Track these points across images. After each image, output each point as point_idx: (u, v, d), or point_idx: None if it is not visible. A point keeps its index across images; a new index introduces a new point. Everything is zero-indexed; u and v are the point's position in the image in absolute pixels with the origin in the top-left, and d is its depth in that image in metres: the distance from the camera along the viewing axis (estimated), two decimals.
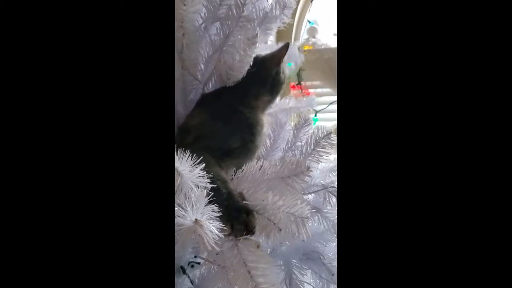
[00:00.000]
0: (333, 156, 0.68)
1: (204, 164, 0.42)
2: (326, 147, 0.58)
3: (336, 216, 0.63)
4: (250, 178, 0.50)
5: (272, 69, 0.62)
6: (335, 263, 0.66)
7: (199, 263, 0.58)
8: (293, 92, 1.67)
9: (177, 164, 0.39)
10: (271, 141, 0.71)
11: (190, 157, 0.41)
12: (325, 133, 0.58)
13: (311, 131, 0.64)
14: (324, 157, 0.59)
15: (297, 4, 1.76)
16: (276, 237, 0.46)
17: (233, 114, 0.58)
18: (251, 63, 0.56)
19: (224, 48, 0.56)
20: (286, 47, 0.61)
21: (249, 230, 0.45)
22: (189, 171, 0.40)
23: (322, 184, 0.63)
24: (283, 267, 0.66)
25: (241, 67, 0.54)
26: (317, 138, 0.58)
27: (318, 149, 0.58)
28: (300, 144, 0.65)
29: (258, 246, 0.46)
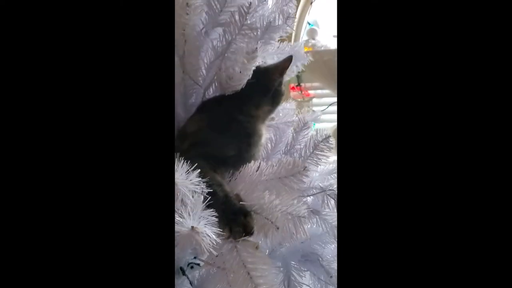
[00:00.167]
0: (332, 159, 0.69)
1: (199, 171, 0.43)
2: (325, 150, 0.58)
3: (335, 219, 0.63)
4: (247, 179, 0.51)
5: (275, 80, 0.62)
6: (333, 265, 0.67)
7: (198, 264, 0.59)
8: (293, 93, 1.67)
9: None
10: (273, 144, 0.72)
11: (185, 164, 0.41)
12: (324, 137, 0.58)
13: (310, 134, 0.64)
14: (323, 160, 0.60)
15: (297, 6, 1.76)
16: (274, 235, 0.46)
17: (231, 123, 0.58)
18: (252, 74, 0.56)
19: (226, 55, 0.56)
20: (289, 59, 0.62)
21: (248, 231, 0.45)
22: (184, 178, 0.40)
23: (321, 186, 0.63)
24: (281, 269, 0.67)
25: (240, 79, 0.54)
26: (316, 141, 0.59)
27: (316, 152, 0.59)
28: (299, 147, 0.66)
29: (257, 247, 0.47)
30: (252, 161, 0.52)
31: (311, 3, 1.80)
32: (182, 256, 0.58)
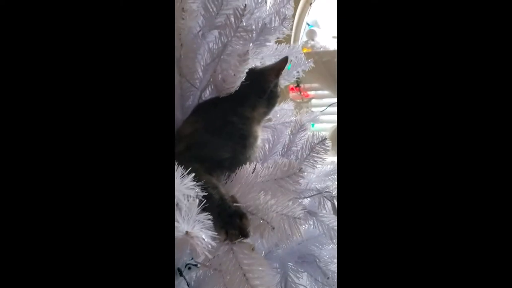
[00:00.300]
0: (329, 160, 0.69)
1: (194, 174, 0.43)
2: (321, 153, 0.58)
3: (331, 220, 0.64)
4: (243, 181, 0.51)
5: (271, 81, 0.63)
6: (330, 266, 0.67)
7: (196, 265, 0.59)
8: (292, 94, 1.67)
9: None
10: (270, 145, 0.72)
11: (180, 168, 0.41)
12: (320, 139, 0.58)
13: (306, 136, 0.65)
14: (319, 162, 0.60)
15: (296, 7, 1.77)
16: (270, 235, 0.46)
17: (226, 125, 0.58)
18: (247, 75, 0.56)
19: (222, 57, 0.56)
20: (285, 60, 0.62)
21: (244, 234, 0.45)
22: (179, 183, 0.40)
23: (317, 188, 0.63)
24: (279, 270, 0.67)
25: (233, 82, 0.55)
26: (312, 143, 0.59)
27: (313, 154, 0.59)
28: (296, 149, 0.66)
29: (252, 249, 0.47)
30: (248, 163, 0.53)
31: (311, 4, 1.81)
32: (179, 257, 0.58)
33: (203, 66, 0.62)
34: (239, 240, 0.45)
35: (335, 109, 1.59)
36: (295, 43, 1.77)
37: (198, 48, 0.60)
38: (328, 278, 0.66)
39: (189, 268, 0.59)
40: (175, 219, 0.39)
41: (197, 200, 0.43)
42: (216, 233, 0.44)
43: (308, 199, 0.65)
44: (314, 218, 0.64)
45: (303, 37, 1.80)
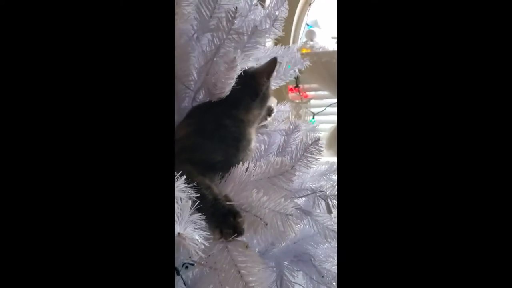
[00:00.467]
0: (323, 160, 0.70)
1: (186, 176, 0.43)
2: (314, 153, 0.59)
3: (326, 220, 0.64)
4: (237, 180, 0.52)
5: (263, 84, 0.63)
6: (325, 265, 0.68)
7: (193, 264, 0.60)
8: (291, 94, 1.68)
9: None
10: (266, 145, 0.73)
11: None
12: (314, 139, 0.59)
13: (300, 137, 0.65)
14: (313, 163, 0.60)
15: (296, 8, 1.77)
16: (264, 232, 0.47)
17: (219, 128, 0.58)
18: (239, 79, 0.56)
19: (215, 59, 0.57)
20: (274, 62, 0.62)
21: (238, 232, 0.46)
22: None
23: (312, 188, 0.64)
24: (274, 269, 0.68)
25: (223, 87, 0.55)
26: (306, 144, 0.59)
27: (307, 154, 0.60)
28: (290, 149, 0.67)
29: (246, 247, 0.48)
30: (241, 163, 0.53)
31: (310, 5, 1.81)
32: (176, 256, 0.59)
33: (197, 68, 0.62)
34: (233, 237, 0.46)
35: (334, 109, 1.60)
36: (294, 43, 1.78)
37: (193, 51, 0.61)
38: (323, 276, 0.66)
39: (186, 267, 0.60)
40: None
41: (190, 202, 0.44)
42: (209, 233, 0.45)
43: (303, 198, 0.66)
44: (309, 218, 0.65)
45: (302, 38, 1.80)
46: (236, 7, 0.52)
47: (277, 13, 0.62)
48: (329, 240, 0.65)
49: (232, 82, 0.55)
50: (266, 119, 0.74)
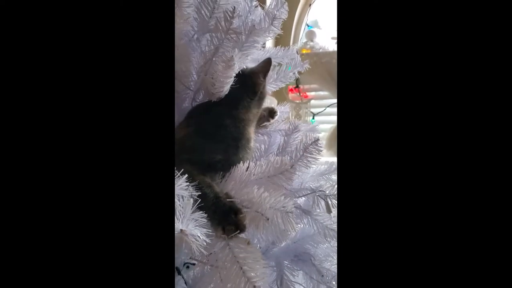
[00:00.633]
0: (323, 160, 0.70)
1: (187, 175, 0.44)
2: (314, 153, 0.59)
3: (326, 219, 0.65)
4: (237, 179, 0.52)
5: (260, 83, 0.64)
6: (325, 264, 0.68)
7: (194, 264, 0.60)
8: (291, 95, 1.68)
9: None
10: (266, 145, 0.73)
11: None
12: (313, 140, 0.59)
13: (300, 137, 0.66)
14: (312, 162, 0.61)
15: (296, 8, 1.78)
16: (265, 227, 0.47)
17: (219, 128, 0.58)
18: (237, 77, 0.57)
19: (214, 59, 0.57)
20: (269, 62, 0.63)
21: (240, 229, 0.47)
22: None
23: (312, 188, 0.65)
24: (275, 268, 0.68)
25: (221, 87, 0.55)
26: (305, 144, 0.60)
27: (306, 154, 0.60)
28: (290, 149, 0.67)
29: (248, 243, 0.48)
30: (242, 162, 0.54)
31: (310, 5, 1.81)
32: (177, 256, 0.59)
33: (196, 68, 0.62)
34: (235, 234, 0.46)
35: (334, 109, 1.60)
36: (294, 44, 1.78)
37: (193, 51, 0.62)
38: (322, 276, 0.67)
39: (187, 267, 0.61)
40: None
41: (192, 200, 0.45)
42: (211, 230, 0.45)
43: (303, 198, 0.66)
44: (308, 217, 0.65)
45: (302, 38, 1.80)
46: (234, 7, 0.53)
47: (275, 12, 0.62)
48: (328, 239, 0.65)
49: (230, 81, 0.56)
50: (268, 121, 0.74)
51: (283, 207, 0.47)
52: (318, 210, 0.64)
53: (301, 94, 1.65)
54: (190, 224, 0.42)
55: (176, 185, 0.42)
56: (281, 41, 1.50)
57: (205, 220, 0.45)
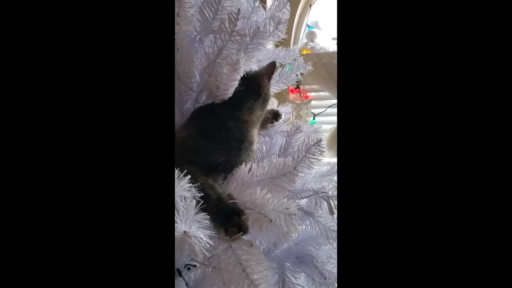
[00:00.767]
0: (325, 161, 0.70)
1: (189, 176, 0.43)
2: (316, 154, 0.59)
3: (328, 221, 0.64)
4: (239, 181, 0.52)
5: (265, 85, 0.64)
6: (327, 266, 0.68)
7: (195, 266, 0.60)
8: (292, 95, 1.68)
9: None
10: (268, 146, 0.73)
11: (176, 170, 0.42)
12: (315, 141, 0.59)
13: (302, 138, 0.65)
14: (315, 164, 0.60)
15: (296, 9, 1.78)
16: (269, 228, 0.47)
17: (221, 129, 0.58)
18: (241, 79, 0.56)
19: (217, 61, 0.57)
20: (273, 65, 0.63)
21: (243, 230, 0.46)
22: (175, 185, 0.41)
23: (314, 189, 0.64)
24: (276, 270, 0.68)
25: (225, 89, 0.55)
26: (308, 145, 0.59)
27: (308, 155, 0.60)
28: (292, 150, 0.67)
29: (251, 245, 0.47)
30: (244, 164, 0.54)
31: (310, 6, 1.82)
32: (178, 258, 0.59)
33: (199, 70, 0.62)
34: (238, 236, 0.46)
35: (335, 110, 1.60)
36: (295, 44, 1.78)
37: (196, 52, 0.61)
38: (325, 278, 0.66)
39: (188, 268, 0.60)
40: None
41: (194, 201, 0.44)
42: (214, 232, 0.45)
43: (305, 199, 0.66)
44: (311, 218, 0.65)
45: (303, 39, 1.80)
46: (239, 8, 0.52)
47: (280, 16, 0.61)
48: (331, 241, 0.65)
49: (235, 84, 0.56)
50: (272, 123, 0.74)
51: (286, 208, 0.47)
52: (321, 212, 0.64)
53: (302, 95, 1.65)
54: (193, 226, 0.42)
55: (178, 186, 0.42)
56: (281, 41, 1.50)
57: (208, 222, 0.44)
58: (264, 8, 0.70)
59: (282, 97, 1.51)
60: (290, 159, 0.63)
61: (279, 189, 0.52)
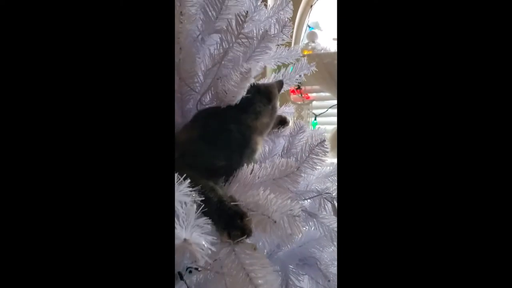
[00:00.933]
0: (328, 162, 0.69)
1: (189, 180, 0.42)
2: (320, 154, 0.58)
3: (332, 222, 0.64)
4: (242, 182, 0.51)
5: (275, 94, 0.64)
6: (331, 269, 0.67)
7: (197, 269, 0.59)
8: (293, 96, 1.68)
9: None
10: (270, 147, 0.72)
11: (175, 174, 0.41)
12: (319, 141, 0.58)
13: (305, 138, 0.65)
14: (319, 164, 0.60)
15: (297, 9, 1.77)
16: (273, 230, 0.46)
17: (223, 133, 0.56)
18: (250, 88, 0.57)
19: (223, 63, 0.56)
20: (281, 83, 0.66)
21: (246, 233, 0.45)
22: (175, 189, 0.40)
23: (318, 190, 0.63)
24: (280, 273, 0.67)
25: (234, 96, 0.55)
26: (311, 145, 0.58)
27: (312, 156, 0.59)
28: (295, 150, 0.66)
29: (254, 249, 0.47)
30: (246, 165, 0.52)
31: (311, 6, 1.81)
32: (180, 260, 0.58)
33: (203, 71, 0.61)
34: (241, 239, 0.45)
35: (336, 110, 1.60)
36: (296, 45, 1.78)
37: (198, 52, 0.60)
38: (329, 280, 0.65)
39: (190, 271, 0.59)
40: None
41: (195, 206, 0.43)
42: (216, 236, 0.44)
43: (309, 200, 0.65)
44: (314, 220, 0.64)
45: (303, 39, 1.80)
46: (247, 11, 0.51)
47: (286, 19, 0.61)
48: (335, 243, 0.64)
49: (244, 91, 0.55)
50: (278, 128, 0.73)
51: (290, 210, 0.46)
52: (324, 213, 0.63)
53: (303, 95, 1.65)
54: (194, 232, 0.40)
55: (178, 191, 0.40)
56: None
57: (209, 227, 0.43)
58: (266, 6, 0.69)
59: (283, 98, 1.51)
60: (293, 159, 0.62)
61: (282, 190, 0.51)
